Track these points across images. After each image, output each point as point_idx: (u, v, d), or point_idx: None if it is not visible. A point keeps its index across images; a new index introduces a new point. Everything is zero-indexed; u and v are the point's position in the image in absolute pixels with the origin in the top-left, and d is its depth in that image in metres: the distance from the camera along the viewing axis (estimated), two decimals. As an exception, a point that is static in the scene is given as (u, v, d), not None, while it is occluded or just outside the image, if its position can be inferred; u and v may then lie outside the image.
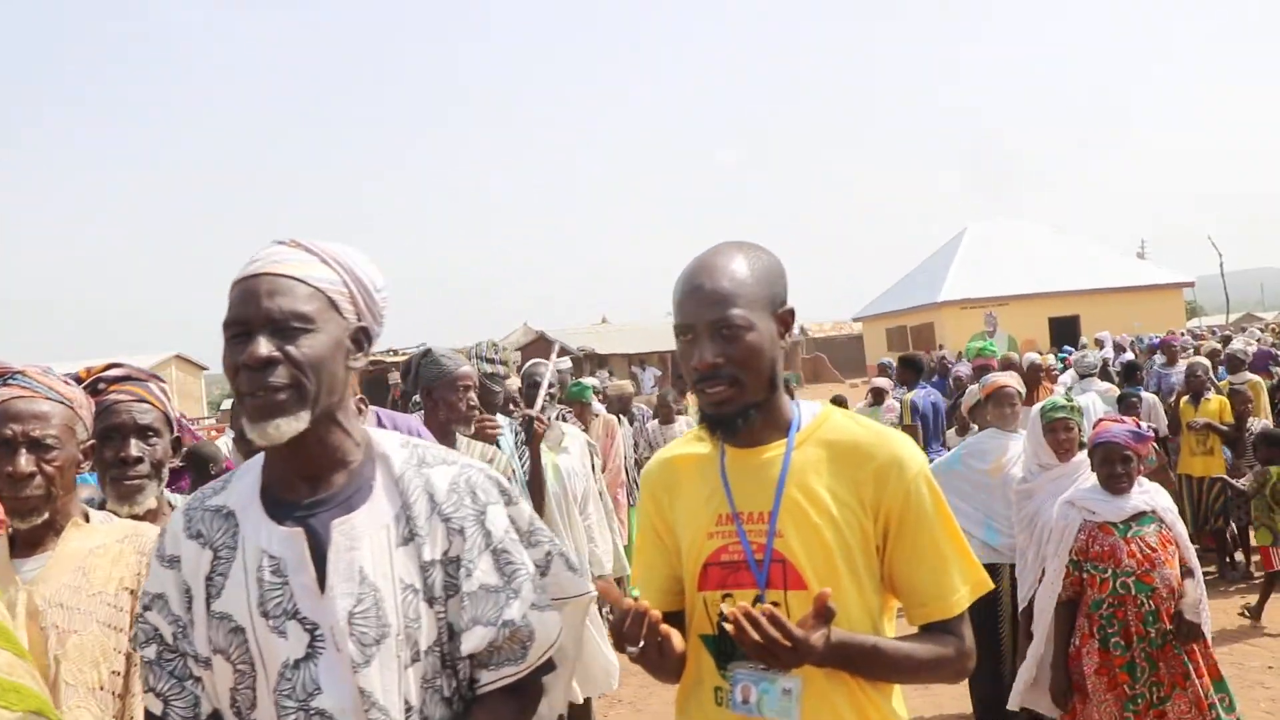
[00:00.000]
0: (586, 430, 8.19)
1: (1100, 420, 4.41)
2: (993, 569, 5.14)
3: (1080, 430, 4.70)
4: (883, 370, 11.17)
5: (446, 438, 3.85)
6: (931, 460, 8.01)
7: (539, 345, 36.52)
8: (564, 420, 7.39)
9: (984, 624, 5.26)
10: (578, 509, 5.37)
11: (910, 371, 9.28)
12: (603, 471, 8.16)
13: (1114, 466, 4.11)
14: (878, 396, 10.34)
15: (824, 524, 1.86)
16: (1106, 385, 9.94)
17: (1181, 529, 4.20)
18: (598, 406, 8.74)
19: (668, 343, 38.46)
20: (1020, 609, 4.74)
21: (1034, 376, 9.02)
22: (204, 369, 47.61)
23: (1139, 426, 4.25)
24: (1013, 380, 5.39)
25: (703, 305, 1.84)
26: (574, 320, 49.48)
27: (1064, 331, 31.94)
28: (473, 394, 3.90)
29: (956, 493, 5.20)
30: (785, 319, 1.93)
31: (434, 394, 3.84)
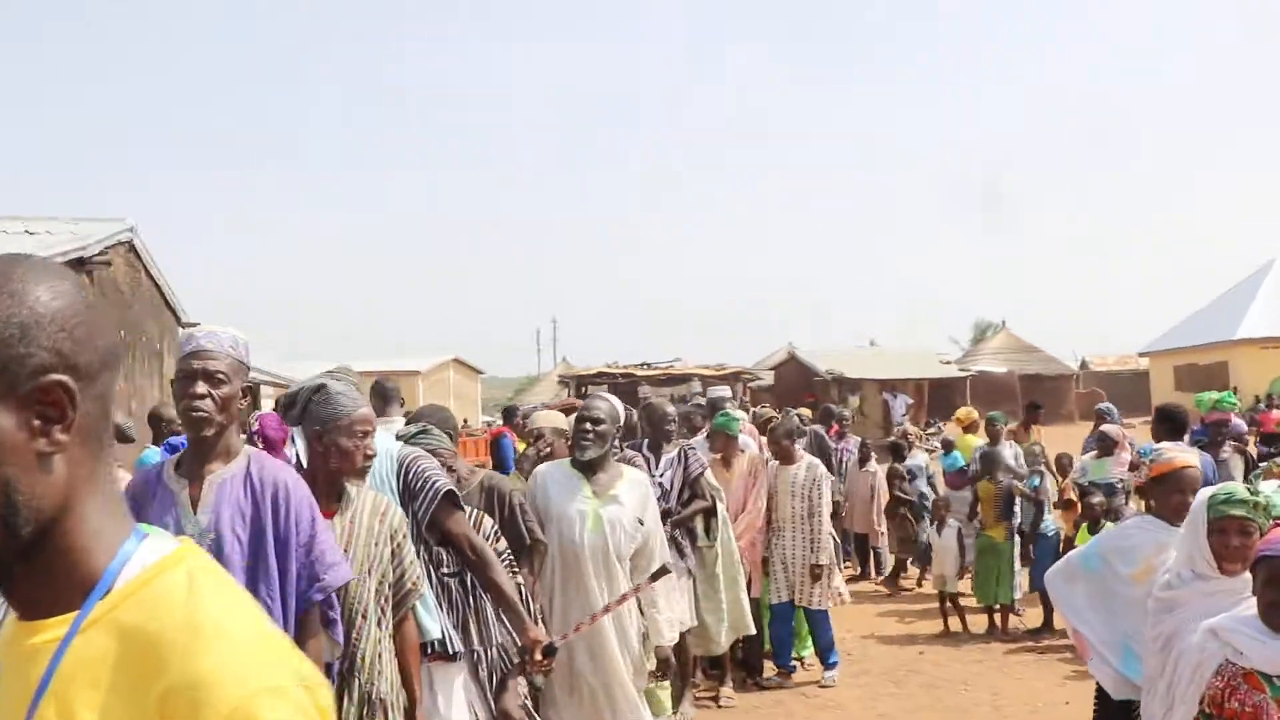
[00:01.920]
0: (729, 468, 7.29)
1: (1277, 523, 3.12)
2: (1130, 706, 3.87)
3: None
4: (1100, 417, 9.43)
5: (333, 488, 3.18)
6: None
7: (791, 366, 35.62)
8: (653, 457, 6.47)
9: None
10: (622, 567, 4.53)
11: (1170, 428, 6.90)
12: (737, 516, 7.23)
13: (1279, 593, 2.84)
14: (1106, 447, 8.74)
15: None
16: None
17: None
18: (745, 440, 7.73)
19: (925, 369, 36.57)
20: None
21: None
22: (480, 373, 50.02)
23: None
24: (1198, 460, 4.03)
25: None
26: (845, 342, 47.54)
27: (1391, 382, 27.68)
28: (371, 440, 3.20)
29: (1091, 602, 3.97)
30: (45, 399, 1.02)
31: (324, 438, 3.15)
